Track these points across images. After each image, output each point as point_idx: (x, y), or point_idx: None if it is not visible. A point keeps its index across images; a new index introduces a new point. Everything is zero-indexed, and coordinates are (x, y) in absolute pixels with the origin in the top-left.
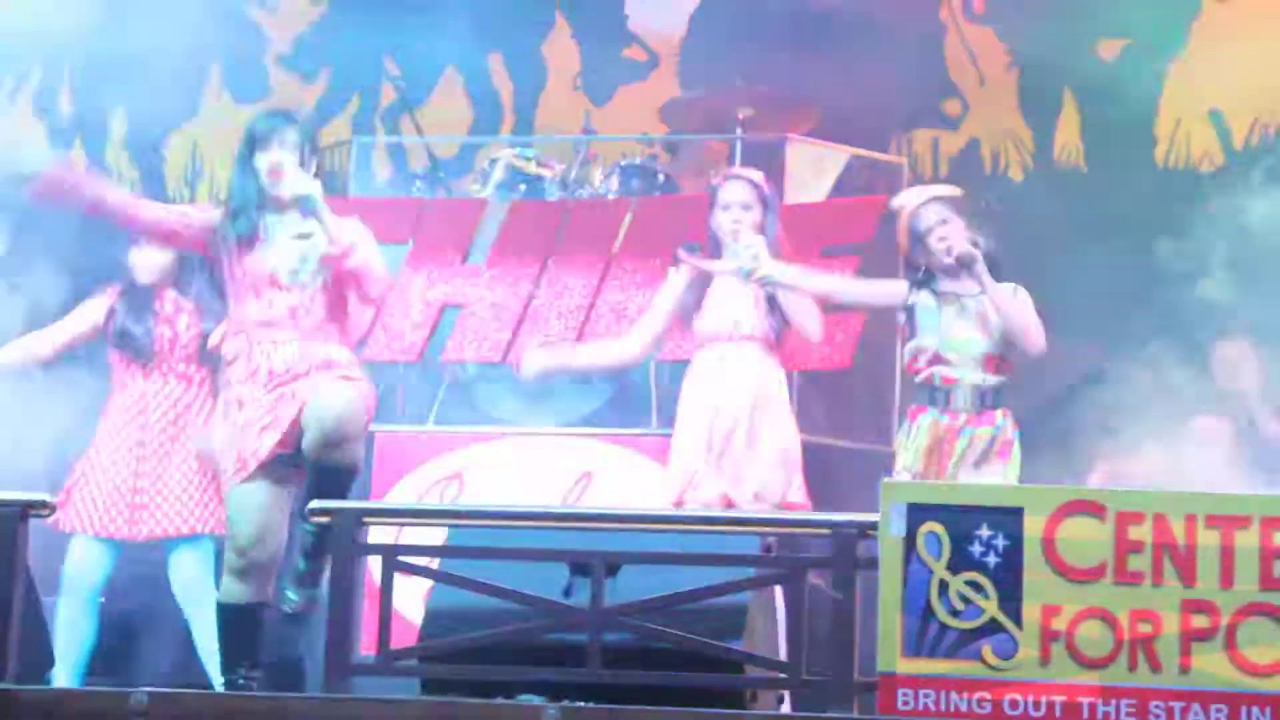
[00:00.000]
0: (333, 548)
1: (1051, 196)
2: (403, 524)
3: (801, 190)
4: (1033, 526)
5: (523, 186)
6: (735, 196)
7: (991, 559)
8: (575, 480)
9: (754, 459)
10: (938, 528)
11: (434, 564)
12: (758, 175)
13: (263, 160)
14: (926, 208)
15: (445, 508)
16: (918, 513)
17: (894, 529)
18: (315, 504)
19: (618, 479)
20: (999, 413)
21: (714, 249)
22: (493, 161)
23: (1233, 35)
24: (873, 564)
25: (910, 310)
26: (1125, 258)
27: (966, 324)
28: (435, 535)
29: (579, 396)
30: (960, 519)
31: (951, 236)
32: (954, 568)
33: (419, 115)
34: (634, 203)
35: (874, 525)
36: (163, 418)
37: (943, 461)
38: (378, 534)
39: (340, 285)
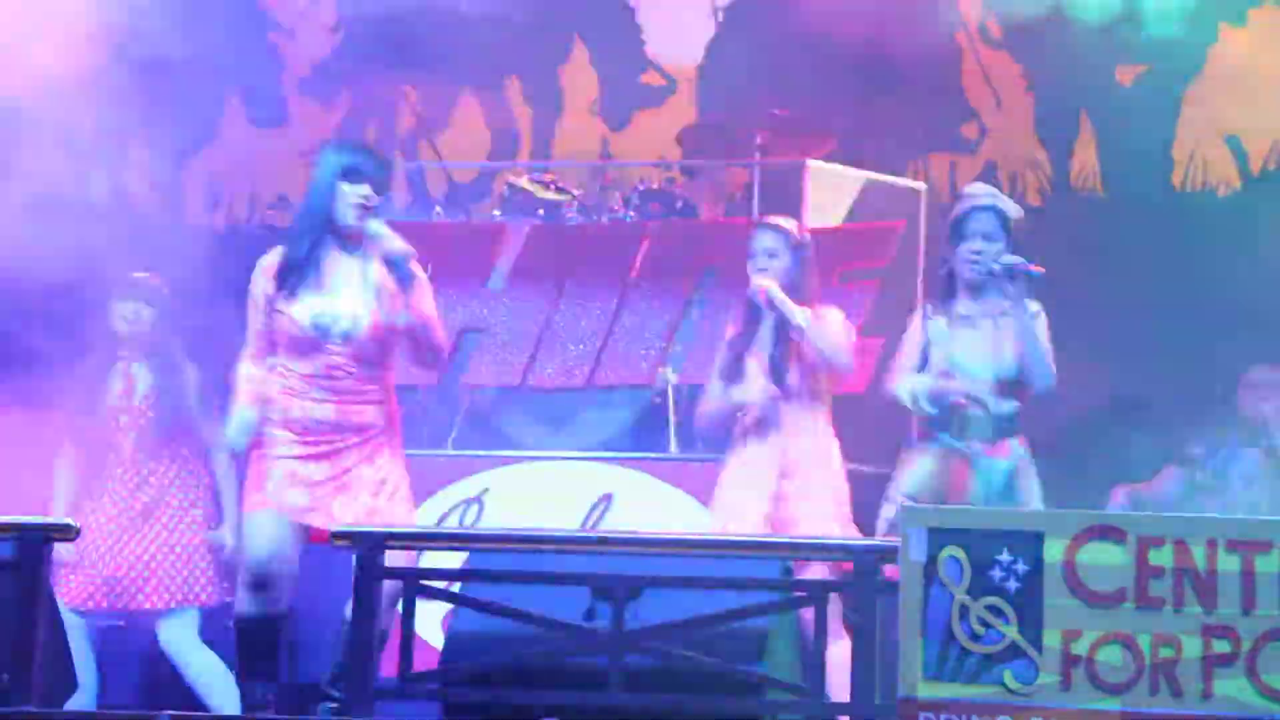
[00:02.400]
0: (355, 571)
1: (1069, 221)
2: (424, 548)
3: (819, 214)
4: (1053, 551)
5: (541, 211)
6: (762, 244)
7: (1012, 583)
8: (594, 504)
9: (810, 513)
10: (959, 552)
11: (455, 588)
12: (790, 223)
13: (352, 192)
14: (984, 214)
15: (466, 532)
16: (938, 537)
17: (914, 553)
18: (336, 527)
19: (637, 503)
20: (1015, 442)
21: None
22: (511, 187)
23: (1250, 60)
24: (893, 588)
25: (924, 337)
26: (1143, 282)
27: (980, 346)
28: (456, 559)
29: (598, 421)
30: (981, 543)
31: (991, 250)
32: (975, 592)
33: (438, 141)
34: (652, 227)
35: (894, 550)
36: (134, 493)
37: (954, 499)
38: (399, 558)
39: (391, 340)
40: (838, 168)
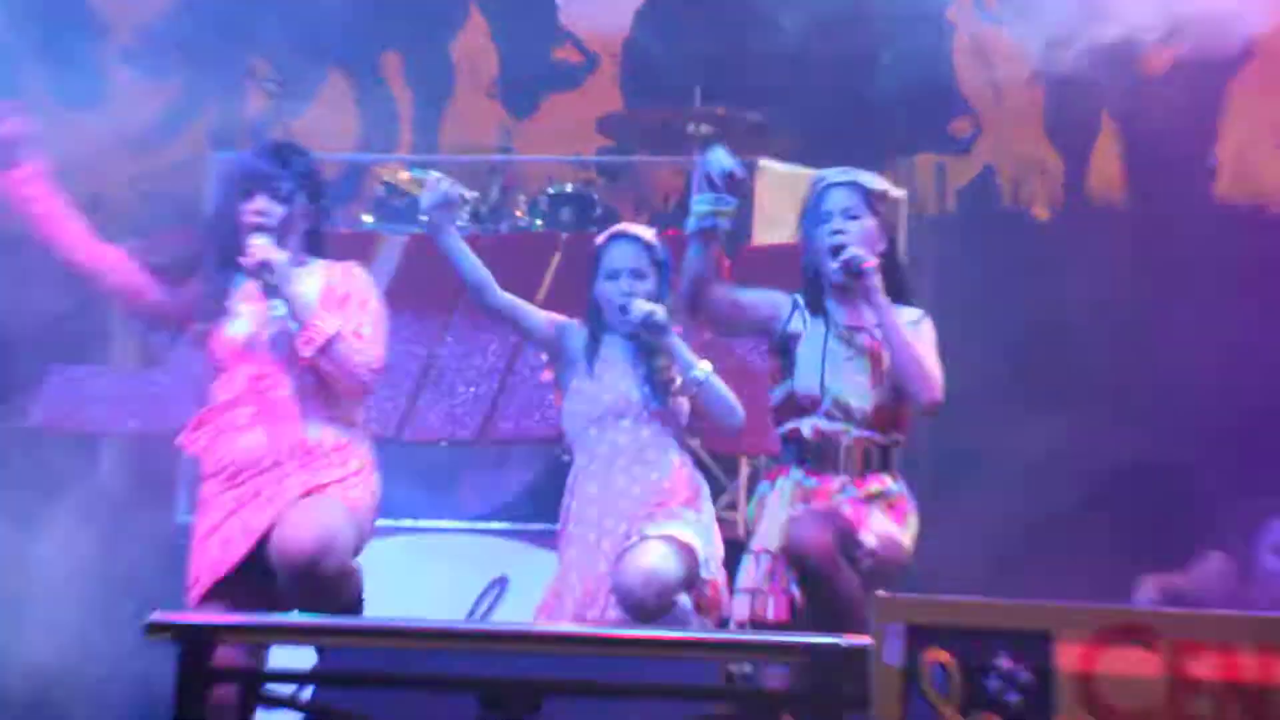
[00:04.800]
0: (178, 673)
1: (1084, 238)
2: (266, 642)
3: (772, 228)
4: (1066, 657)
5: (424, 218)
6: (624, 261)
7: (1013, 697)
8: (486, 589)
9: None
10: (945, 656)
11: (306, 693)
12: (648, 233)
13: (247, 209)
14: (837, 190)
15: (320, 623)
16: (920, 636)
17: (890, 656)
18: (152, 617)
19: (539, 588)
20: (888, 476)
21: (594, 322)
22: (387, 186)
23: None
24: (864, 702)
25: (785, 340)
26: (1177, 314)
27: (853, 364)
28: (307, 656)
29: (491, 483)
30: (973, 645)
31: (851, 235)
32: (966, 707)
33: (295, 128)
34: (563, 239)
35: (865, 651)
36: None
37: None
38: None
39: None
40: (797, 169)
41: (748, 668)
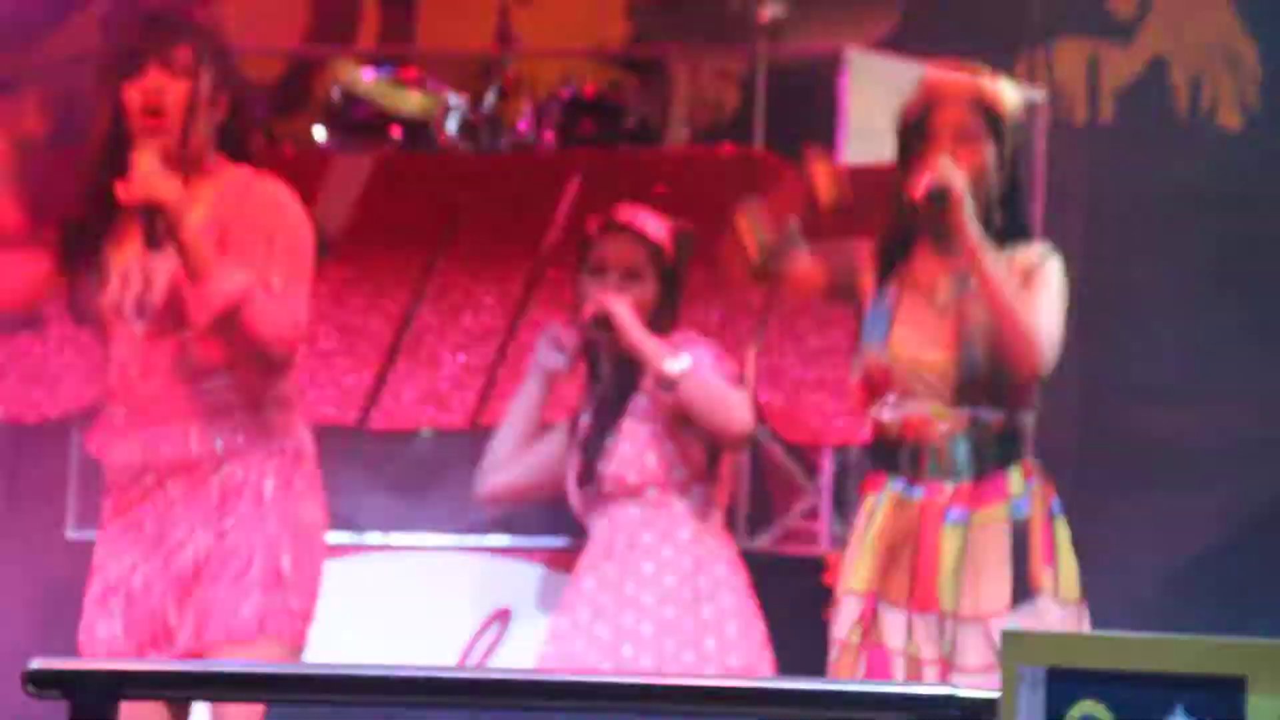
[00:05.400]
0: None
1: None
2: (187, 697)
3: (867, 141)
4: (1262, 711)
5: (395, 132)
6: (616, 256)
7: None
8: (483, 622)
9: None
10: (1100, 710)
11: None
12: (655, 224)
13: (133, 93)
14: (956, 106)
15: (262, 670)
16: (1067, 684)
17: (1027, 711)
18: (34, 665)
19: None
20: (1014, 473)
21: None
22: (344, 91)
23: None
24: None
25: (860, 299)
26: None
27: (940, 322)
28: (245, 714)
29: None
30: (1137, 695)
31: (944, 160)
32: None
33: (224, 15)
34: (583, 159)
35: (992, 704)
36: None
37: (920, 578)
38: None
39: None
40: (897, 63)
41: None
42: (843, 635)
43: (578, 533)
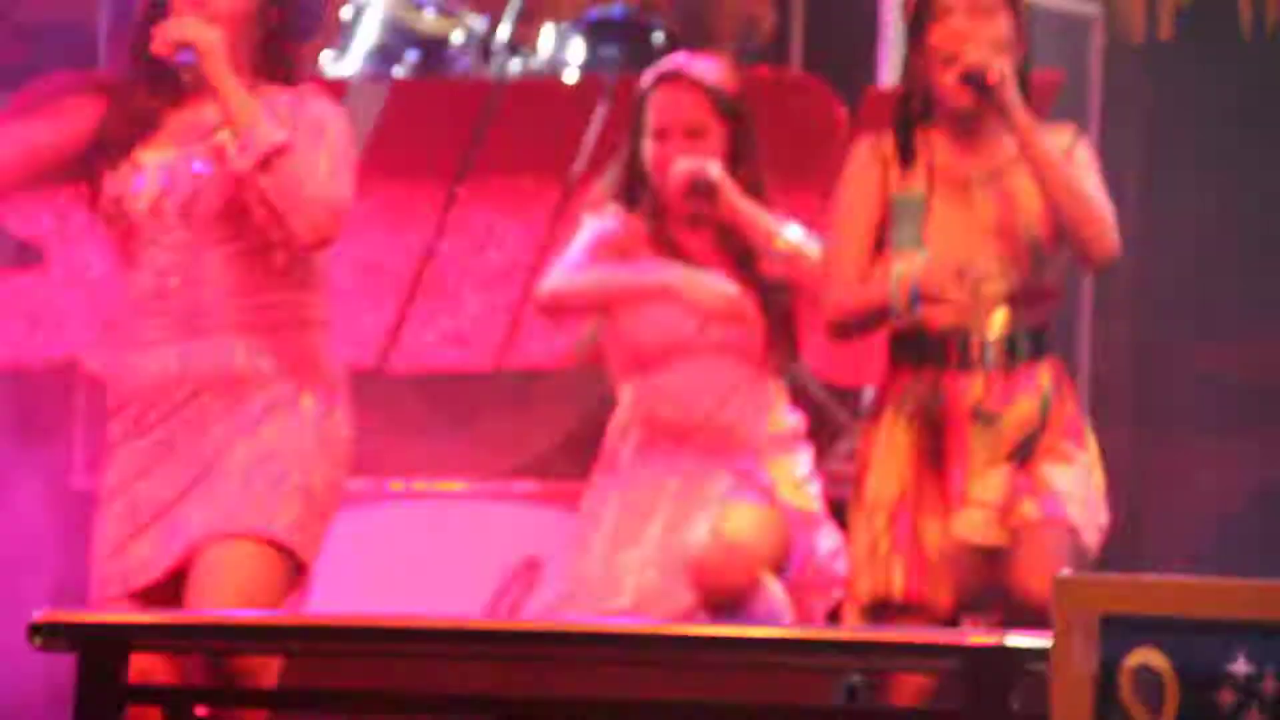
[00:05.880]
0: (80, 689)
1: None
2: (202, 649)
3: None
4: None
5: (410, 55)
6: (674, 114)
7: (1254, 713)
8: (510, 574)
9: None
10: (1157, 658)
11: None
12: (714, 72)
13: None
14: None
15: (280, 620)
16: (1121, 631)
17: (1077, 660)
18: (37, 617)
19: None
20: (1042, 368)
21: (629, 194)
22: (356, 11)
23: None
24: None
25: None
26: None
27: (974, 215)
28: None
29: (513, 429)
30: (1197, 642)
31: (977, 42)
32: None
33: None
34: (611, 86)
35: (1041, 652)
36: None
37: (948, 473)
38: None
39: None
40: None
41: (856, 678)
42: (868, 544)
43: None
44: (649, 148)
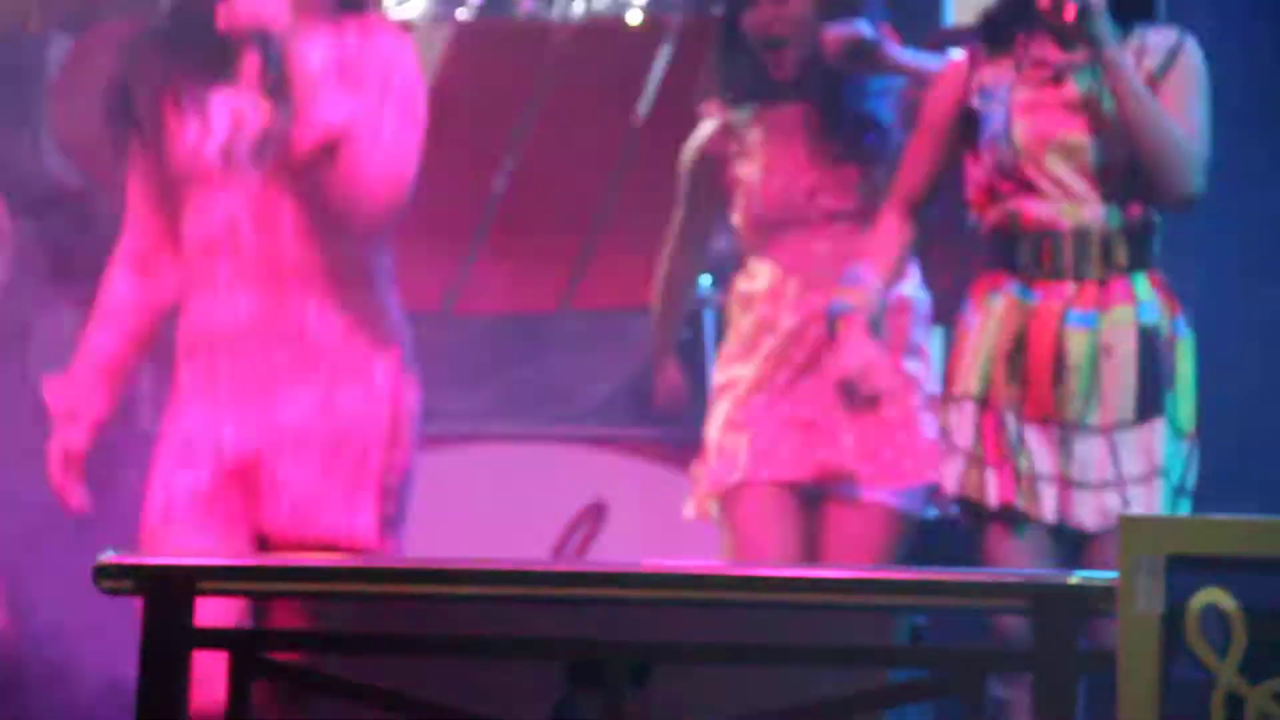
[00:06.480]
0: (146, 633)
1: None
2: (268, 592)
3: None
4: None
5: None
6: None
7: None
8: (575, 518)
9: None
10: (1225, 599)
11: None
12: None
13: None
14: None
15: (345, 565)
16: (1188, 571)
17: (1144, 600)
18: (106, 558)
19: (647, 517)
20: (1141, 279)
21: (734, 90)
22: None
23: None
24: (1106, 662)
25: (967, 110)
26: None
27: (1062, 111)
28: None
29: (579, 373)
30: (1264, 583)
31: None
32: (1254, 669)
33: None
34: (675, 27)
35: (1108, 591)
36: None
37: (1035, 382)
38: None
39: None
40: None
41: (920, 620)
42: (967, 445)
43: (672, 420)
44: (751, 13)
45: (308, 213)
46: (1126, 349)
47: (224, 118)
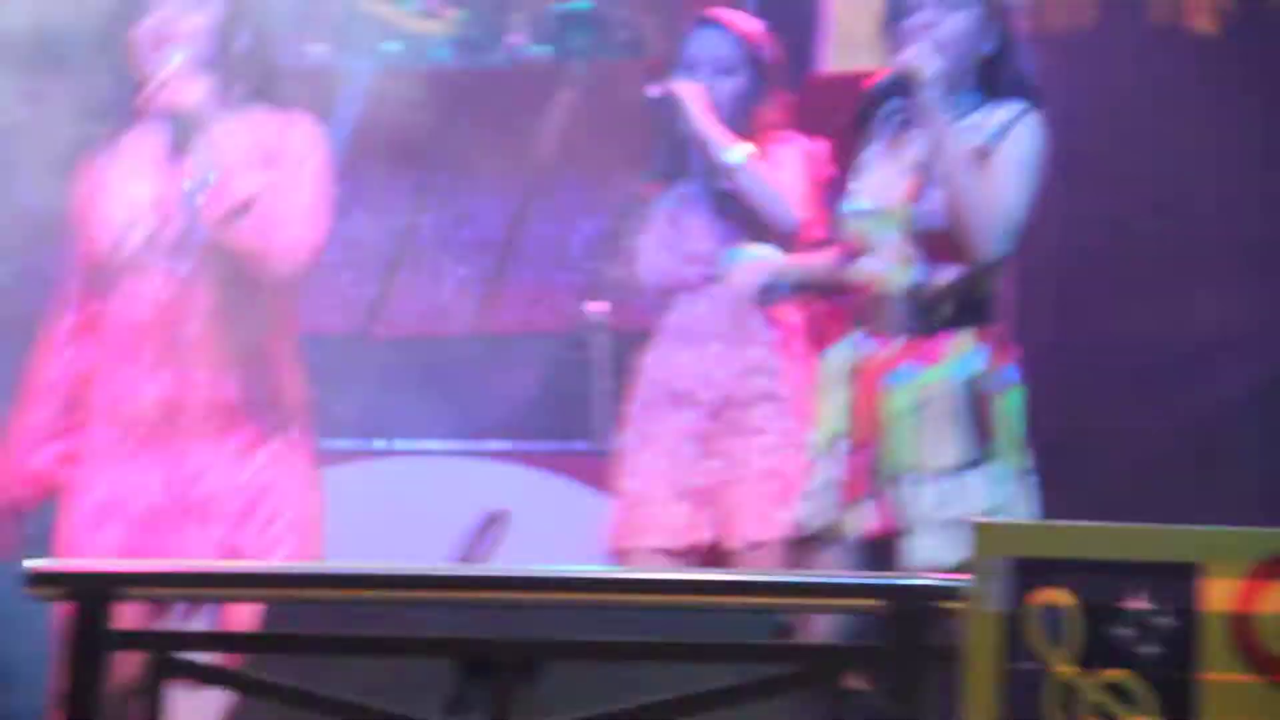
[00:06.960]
0: (66, 639)
1: (1266, 57)
2: (183, 596)
3: (852, 51)
4: (1217, 594)
5: (391, 49)
6: (707, 51)
7: (1147, 648)
8: (479, 525)
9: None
10: (1062, 597)
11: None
12: (748, 22)
13: (146, 24)
14: None
15: (257, 570)
16: (1029, 572)
17: (991, 598)
18: (35, 564)
19: (547, 524)
20: (966, 335)
21: (671, 155)
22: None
23: None
24: (953, 656)
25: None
26: None
27: (903, 180)
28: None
29: (487, 392)
30: (1097, 583)
31: (936, 30)
32: (1088, 661)
33: None
34: (576, 72)
35: (956, 593)
36: None
37: (863, 429)
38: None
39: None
40: None
41: (783, 618)
42: (831, 476)
43: (577, 437)
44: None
45: (221, 293)
46: (941, 404)
47: (147, 209)
